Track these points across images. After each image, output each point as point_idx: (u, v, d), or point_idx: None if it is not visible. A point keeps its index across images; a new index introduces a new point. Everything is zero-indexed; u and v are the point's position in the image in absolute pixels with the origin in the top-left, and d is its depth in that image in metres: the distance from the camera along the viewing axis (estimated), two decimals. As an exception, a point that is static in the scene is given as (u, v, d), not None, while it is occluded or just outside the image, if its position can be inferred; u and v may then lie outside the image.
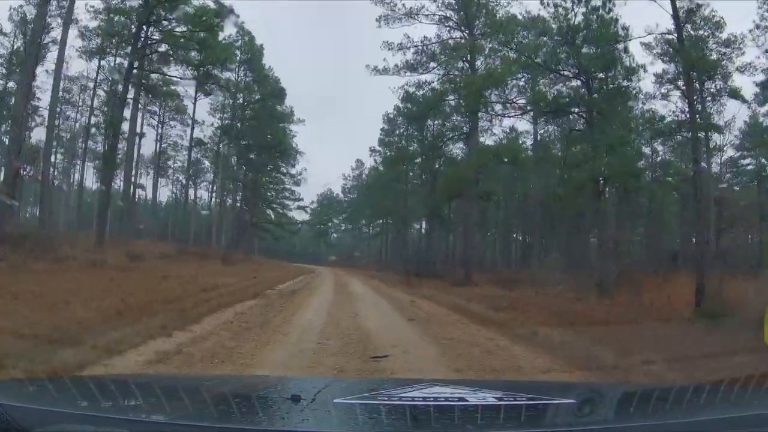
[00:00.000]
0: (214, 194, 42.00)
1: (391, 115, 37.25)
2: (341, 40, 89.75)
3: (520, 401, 1.95)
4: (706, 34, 22.44)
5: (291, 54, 79.25)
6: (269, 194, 44.98)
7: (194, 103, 35.77)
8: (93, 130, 33.81)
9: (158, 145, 38.89)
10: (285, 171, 43.26)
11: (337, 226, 64.62)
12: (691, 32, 21.20)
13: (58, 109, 28.62)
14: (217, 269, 24.41)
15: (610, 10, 19.77)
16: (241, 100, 37.75)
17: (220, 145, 38.53)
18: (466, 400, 1.91)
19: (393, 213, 41.11)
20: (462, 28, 27.80)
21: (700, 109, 21.15)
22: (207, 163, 41.59)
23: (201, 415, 1.69)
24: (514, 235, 41.76)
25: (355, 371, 6.32)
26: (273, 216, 46.15)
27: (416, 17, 27.08)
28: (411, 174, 37.83)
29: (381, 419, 1.76)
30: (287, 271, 33.02)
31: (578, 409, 1.83)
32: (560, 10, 20.69)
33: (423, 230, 43.80)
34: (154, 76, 29.75)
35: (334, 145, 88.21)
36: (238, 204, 42.91)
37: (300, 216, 48.46)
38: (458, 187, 26.92)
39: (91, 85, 32.45)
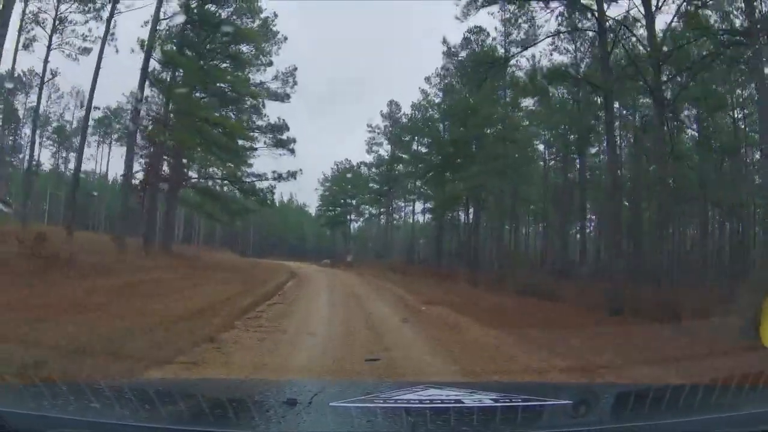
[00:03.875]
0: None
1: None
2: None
3: (515, 402, 1.96)
4: None
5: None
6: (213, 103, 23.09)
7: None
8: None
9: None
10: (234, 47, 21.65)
11: (358, 209, 41.40)
12: None
13: None
14: None
15: None
16: None
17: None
18: (462, 402, 1.93)
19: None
20: None
21: None
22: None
23: (197, 420, 1.72)
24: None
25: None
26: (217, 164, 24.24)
27: None
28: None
29: (377, 422, 1.78)
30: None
31: (573, 410, 1.83)
32: None
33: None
34: None
35: (340, 137, 78.66)
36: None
37: (269, 161, 25.47)
38: None
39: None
